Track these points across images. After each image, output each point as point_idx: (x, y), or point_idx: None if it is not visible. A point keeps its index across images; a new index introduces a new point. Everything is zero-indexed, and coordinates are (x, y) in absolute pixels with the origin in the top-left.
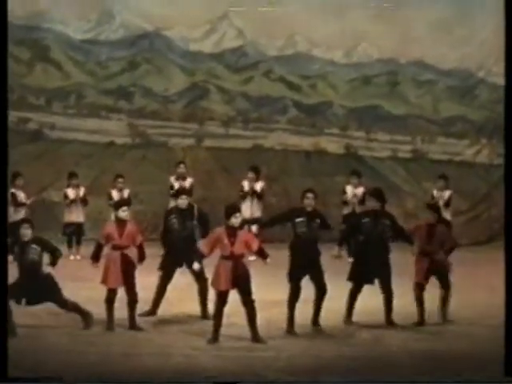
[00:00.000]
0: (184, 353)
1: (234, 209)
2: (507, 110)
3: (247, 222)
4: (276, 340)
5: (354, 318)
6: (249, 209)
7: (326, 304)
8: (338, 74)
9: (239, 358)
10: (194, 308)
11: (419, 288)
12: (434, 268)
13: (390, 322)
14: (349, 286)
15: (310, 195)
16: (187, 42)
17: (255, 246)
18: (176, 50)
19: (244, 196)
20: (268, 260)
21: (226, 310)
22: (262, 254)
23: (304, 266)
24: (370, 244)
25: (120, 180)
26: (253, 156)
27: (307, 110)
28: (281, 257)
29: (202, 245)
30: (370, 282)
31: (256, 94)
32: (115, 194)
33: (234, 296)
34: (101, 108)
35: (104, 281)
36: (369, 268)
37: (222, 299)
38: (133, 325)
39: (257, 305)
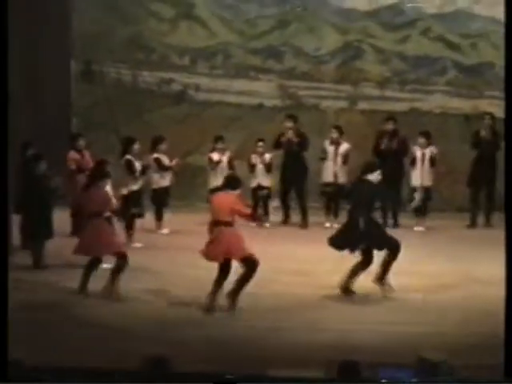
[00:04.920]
0: None
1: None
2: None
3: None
4: None
5: None
6: (419, 177)
7: None
8: (501, 33)
9: None
10: None
11: None
12: None
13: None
14: None
15: None
16: None
17: (241, 210)
18: (329, 8)
19: (413, 162)
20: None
21: None
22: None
23: None
24: None
25: (260, 144)
26: (410, 119)
27: (467, 70)
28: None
29: None
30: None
31: (413, 54)
32: (255, 160)
33: None
34: (249, 68)
35: None
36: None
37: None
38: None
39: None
